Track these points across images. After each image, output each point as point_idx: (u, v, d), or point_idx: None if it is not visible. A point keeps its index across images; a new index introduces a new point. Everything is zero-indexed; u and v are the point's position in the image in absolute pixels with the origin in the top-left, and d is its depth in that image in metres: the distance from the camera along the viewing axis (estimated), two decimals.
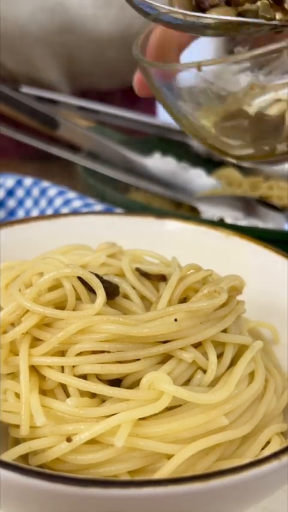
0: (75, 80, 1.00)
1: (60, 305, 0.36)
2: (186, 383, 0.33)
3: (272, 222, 0.67)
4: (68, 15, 0.79)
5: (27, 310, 0.34)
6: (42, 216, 0.52)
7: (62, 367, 0.33)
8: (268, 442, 0.33)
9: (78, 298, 0.35)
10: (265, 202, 0.70)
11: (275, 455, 0.24)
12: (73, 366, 0.33)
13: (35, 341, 0.35)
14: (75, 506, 0.23)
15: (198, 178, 0.81)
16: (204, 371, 0.33)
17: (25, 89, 0.88)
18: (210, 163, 0.92)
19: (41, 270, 0.37)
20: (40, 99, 0.87)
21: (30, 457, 0.32)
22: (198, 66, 0.32)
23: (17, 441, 0.33)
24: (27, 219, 0.50)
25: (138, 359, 0.33)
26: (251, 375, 0.36)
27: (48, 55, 0.93)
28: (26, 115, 0.81)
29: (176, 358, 0.33)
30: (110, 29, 0.90)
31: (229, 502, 0.25)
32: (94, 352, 0.33)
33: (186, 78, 0.35)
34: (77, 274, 0.35)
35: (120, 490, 0.22)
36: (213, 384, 0.33)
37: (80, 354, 0.33)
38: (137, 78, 0.46)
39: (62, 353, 0.34)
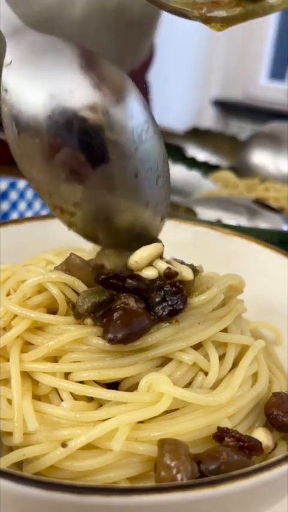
0: None
1: (52, 306, 0.34)
2: (187, 386, 0.32)
3: (269, 223, 0.67)
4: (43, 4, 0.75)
5: (16, 315, 0.33)
6: (36, 217, 0.51)
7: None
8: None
9: (69, 301, 0.34)
10: (262, 204, 0.69)
11: (286, 458, 0.23)
12: (69, 373, 0.31)
13: (26, 345, 0.33)
14: None
15: (195, 181, 0.80)
16: (206, 373, 0.32)
17: None
18: (206, 166, 0.92)
19: (25, 278, 0.36)
20: None
21: (25, 465, 0.30)
22: None
23: (11, 450, 0.31)
24: (21, 220, 0.49)
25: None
26: (254, 376, 0.35)
27: None
28: None
29: (175, 360, 0.32)
30: (85, 6, 0.85)
31: (237, 508, 0.24)
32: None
33: None
34: (61, 280, 0.33)
35: (122, 497, 0.20)
36: (215, 386, 0.32)
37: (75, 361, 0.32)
38: None
39: (54, 358, 0.33)
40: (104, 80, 0.31)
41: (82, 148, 0.30)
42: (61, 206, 0.33)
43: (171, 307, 0.32)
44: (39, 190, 0.33)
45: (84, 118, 0.30)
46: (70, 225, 0.35)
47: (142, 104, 0.32)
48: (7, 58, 0.30)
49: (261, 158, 0.88)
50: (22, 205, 0.72)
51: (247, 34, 2.53)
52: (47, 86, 0.30)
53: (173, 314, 0.32)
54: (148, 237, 0.36)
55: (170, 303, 0.32)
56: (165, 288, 0.32)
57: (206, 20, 0.30)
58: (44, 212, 0.70)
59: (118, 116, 0.31)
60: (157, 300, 0.32)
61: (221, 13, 0.30)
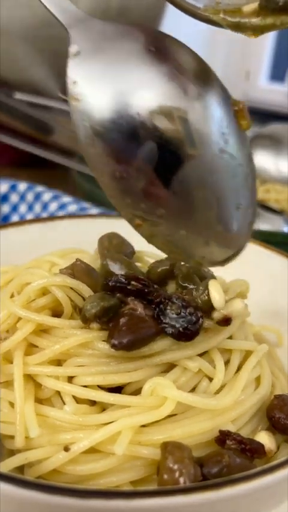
0: (63, 77, 0.98)
1: (57, 308, 0.34)
2: (191, 391, 0.32)
3: (270, 224, 0.66)
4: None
5: (20, 318, 0.33)
6: (37, 219, 0.51)
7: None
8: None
9: (74, 304, 0.34)
10: (263, 205, 0.69)
11: None
12: (73, 377, 0.31)
13: (30, 347, 0.33)
14: None
15: None
16: (210, 379, 0.32)
17: (19, 96, 0.88)
18: None
19: (29, 281, 0.35)
20: (34, 105, 0.87)
21: (26, 469, 0.30)
22: None
23: (12, 453, 0.31)
24: (22, 222, 0.49)
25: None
26: (257, 380, 0.34)
27: (32, 52, 0.90)
28: (20, 121, 0.80)
29: (180, 367, 0.32)
30: (88, 7, 0.84)
31: (239, 511, 0.24)
32: None
33: None
34: (66, 284, 0.33)
35: (125, 501, 0.20)
36: (218, 390, 0.32)
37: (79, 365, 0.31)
38: None
39: (58, 361, 0.32)
40: (181, 74, 0.26)
41: (154, 162, 0.25)
42: (141, 215, 0.28)
43: (186, 328, 0.30)
44: (113, 197, 0.28)
45: (156, 126, 0.25)
46: (151, 237, 0.30)
47: (226, 101, 0.27)
48: (73, 49, 0.27)
49: (261, 159, 0.88)
50: (23, 208, 0.71)
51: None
52: (114, 81, 0.26)
53: (183, 336, 0.30)
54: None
55: (184, 323, 0.30)
56: (182, 303, 0.30)
57: (237, 28, 0.28)
58: (44, 215, 0.69)
59: (200, 123, 0.25)
60: (172, 315, 0.30)
61: (253, 21, 0.27)
